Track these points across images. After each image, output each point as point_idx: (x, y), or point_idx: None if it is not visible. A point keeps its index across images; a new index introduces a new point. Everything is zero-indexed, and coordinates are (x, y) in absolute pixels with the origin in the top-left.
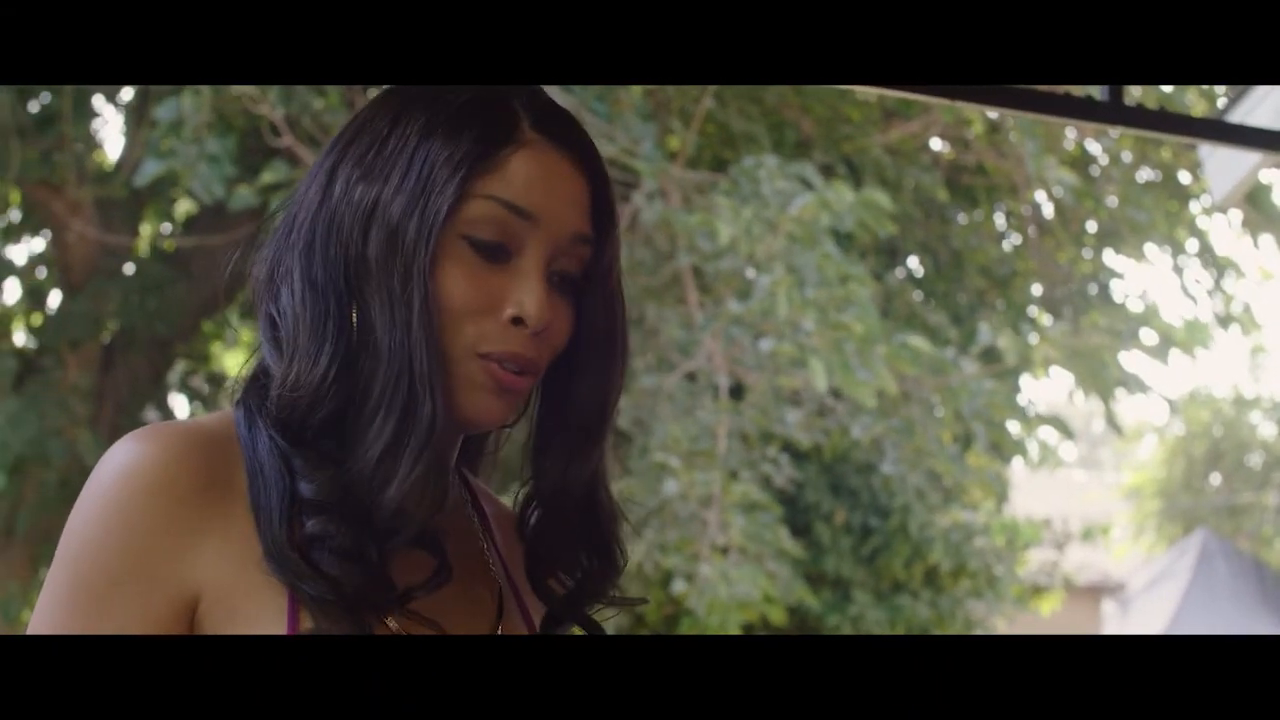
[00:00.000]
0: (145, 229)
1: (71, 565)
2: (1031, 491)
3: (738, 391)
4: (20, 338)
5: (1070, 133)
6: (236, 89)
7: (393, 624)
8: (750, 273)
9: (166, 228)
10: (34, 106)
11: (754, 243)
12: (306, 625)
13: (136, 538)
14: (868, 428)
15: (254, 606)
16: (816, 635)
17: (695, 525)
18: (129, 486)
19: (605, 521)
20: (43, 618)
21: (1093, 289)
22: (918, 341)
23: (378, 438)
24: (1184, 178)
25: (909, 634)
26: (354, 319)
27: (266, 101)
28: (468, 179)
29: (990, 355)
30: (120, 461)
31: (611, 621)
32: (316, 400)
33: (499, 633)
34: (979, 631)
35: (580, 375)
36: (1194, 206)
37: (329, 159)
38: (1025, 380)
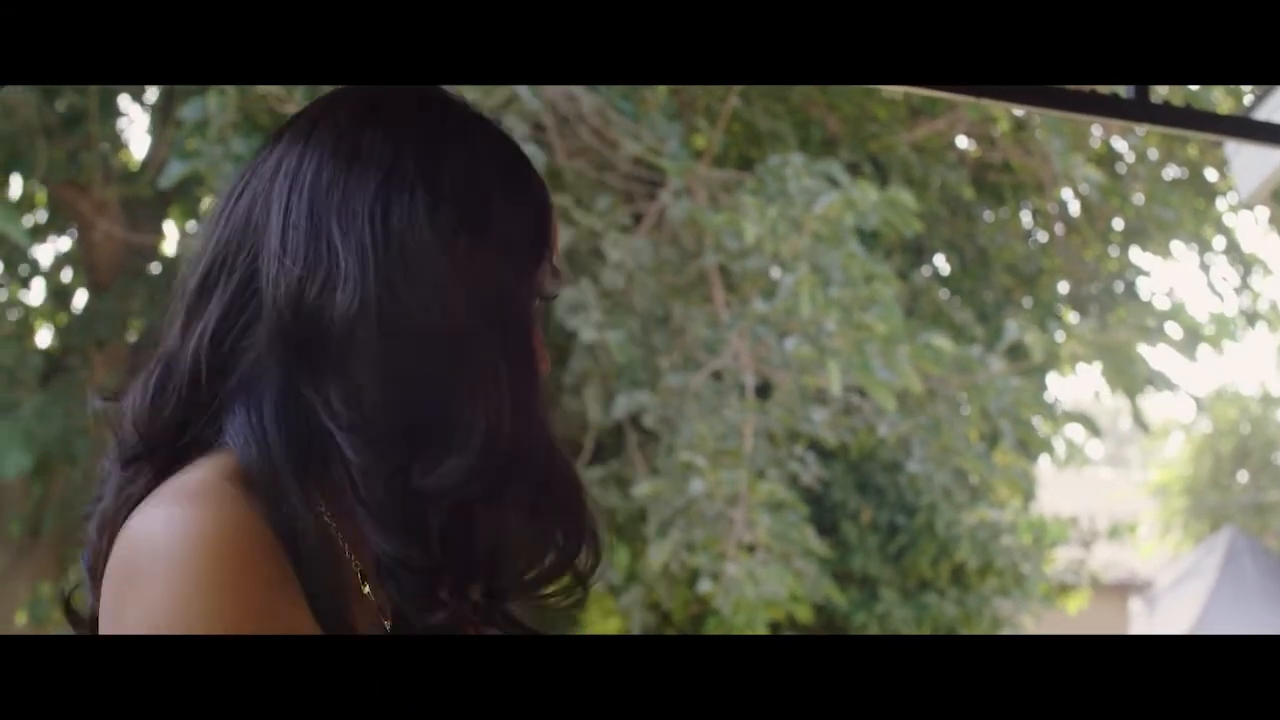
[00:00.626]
0: (171, 228)
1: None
2: (1058, 489)
3: (764, 390)
4: (46, 337)
5: (1097, 130)
6: (262, 88)
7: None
8: (776, 271)
9: (192, 226)
10: (60, 106)
11: (779, 242)
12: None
13: (260, 594)
14: (894, 426)
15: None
16: (841, 635)
17: (721, 524)
18: (222, 556)
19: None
20: None
21: (1119, 286)
22: (941, 341)
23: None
24: (1210, 175)
25: (935, 632)
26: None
27: (292, 100)
28: (547, 248)
29: (1017, 353)
30: (178, 531)
31: (637, 620)
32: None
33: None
34: (1006, 629)
35: None
36: (1220, 204)
37: (375, 185)
38: (1052, 378)
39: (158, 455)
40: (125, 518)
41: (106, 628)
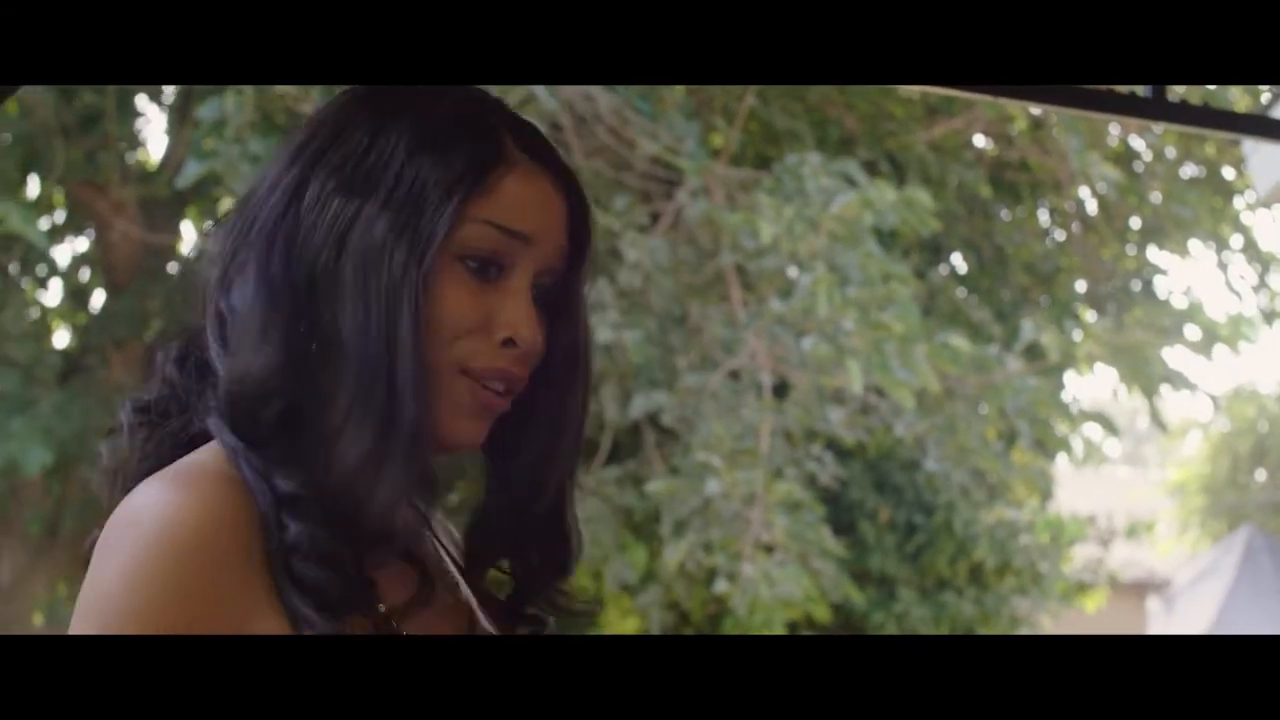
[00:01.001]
0: (188, 228)
1: (115, 621)
2: (1076, 488)
3: (781, 389)
4: (64, 337)
5: (1114, 128)
6: (279, 88)
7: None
8: (793, 271)
9: (210, 226)
10: (77, 106)
11: (796, 241)
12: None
13: (191, 603)
14: (911, 425)
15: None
16: (857, 635)
17: (738, 524)
18: (173, 545)
19: (566, 530)
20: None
21: (1136, 285)
22: (958, 340)
23: (354, 443)
24: (1228, 173)
25: (954, 631)
26: (317, 321)
27: (309, 100)
28: (463, 202)
29: (1034, 352)
30: (158, 515)
31: (655, 620)
32: (263, 394)
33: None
34: (1024, 628)
35: (551, 391)
36: (1238, 202)
37: (297, 164)
38: (1069, 377)
39: (172, 422)
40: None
41: (82, 590)
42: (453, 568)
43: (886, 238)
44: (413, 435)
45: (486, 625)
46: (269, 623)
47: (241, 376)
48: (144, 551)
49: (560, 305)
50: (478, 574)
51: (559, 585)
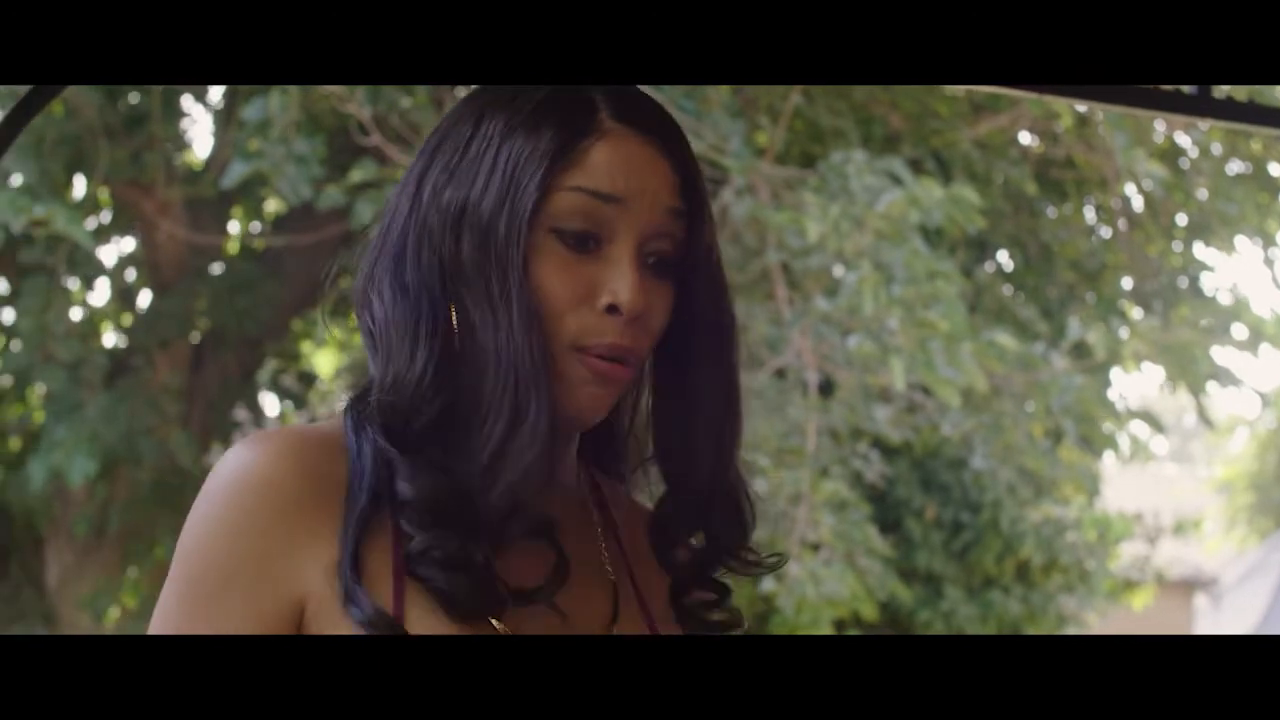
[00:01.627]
0: (234, 228)
1: (184, 564)
2: (1123, 486)
3: (827, 388)
4: (110, 337)
5: (1159, 126)
6: (324, 88)
7: (499, 625)
8: (838, 269)
9: (256, 226)
10: (123, 107)
11: (842, 239)
12: (412, 608)
13: (245, 539)
14: (958, 424)
15: (366, 588)
16: (906, 635)
17: (785, 523)
18: (240, 489)
19: (734, 492)
20: (158, 614)
21: (1183, 282)
22: (1005, 338)
23: (487, 442)
24: (1275, 170)
25: (1000, 629)
26: (453, 321)
27: (354, 100)
28: (550, 173)
29: (1081, 350)
30: (233, 465)
31: None
32: (417, 402)
33: (613, 633)
34: (1071, 626)
35: (695, 357)
36: None
37: (416, 167)
38: (1116, 374)
39: None
40: None
41: None
42: (609, 547)
43: (932, 235)
44: (536, 426)
45: (636, 606)
46: (319, 578)
47: (392, 386)
48: (211, 494)
49: (688, 270)
50: (667, 548)
51: (743, 546)
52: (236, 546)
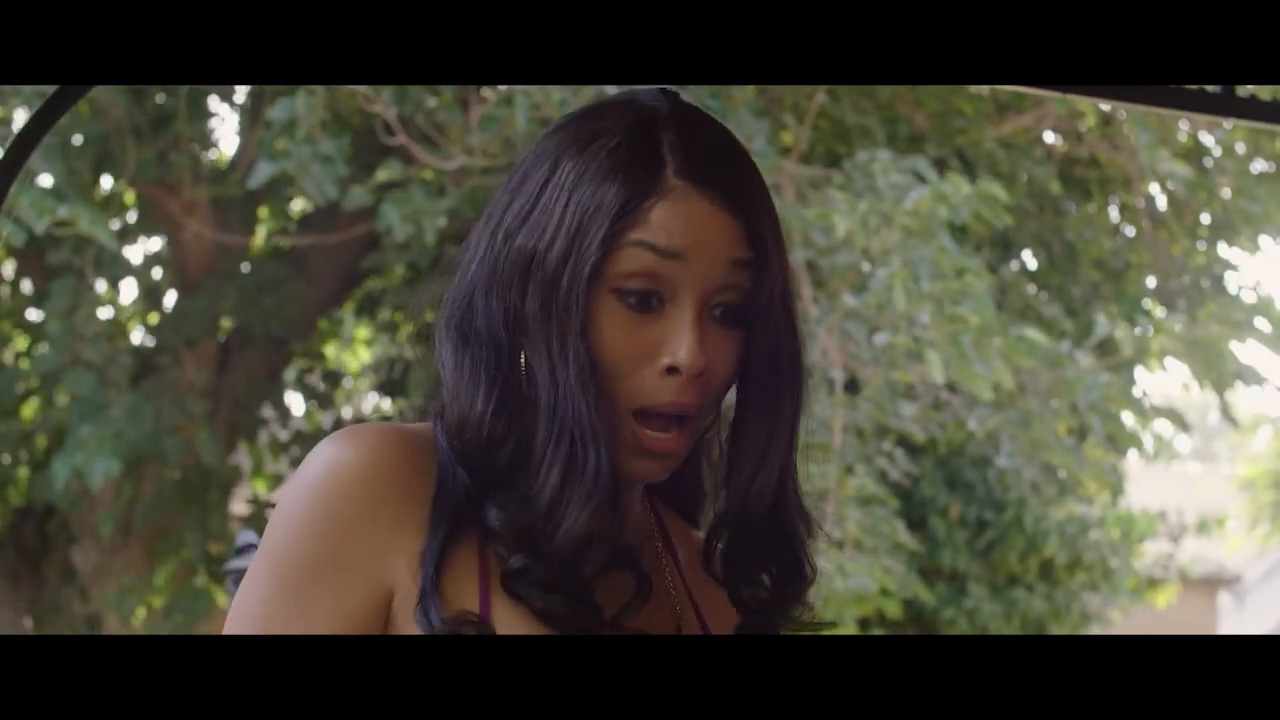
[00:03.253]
0: (261, 227)
1: (273, 555)
2: (1146, 484)
3: (853, 385)
4: (137, 336)
5: (1184, 124)
6: (350, 88)
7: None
8: (865, 266)
9: (282, 225)
10: (149, 107)
11: (870, 236)
12: (498, 611)
13: (335, 529)
14: (984, 421)
15: (453, 589)
16: (930, 635)
17: (818, 520)
18: (331, 480)
19: (791, 542)
20: (243, 604)
21: (1207, 281)
22: (1034, 333)
23: (543, 490)
24: None
25: (1024, 627)
26: (521, 368)
27: (380, 100)
28: (614, 231)
29: (1106, 348)
30: (325, 457)
31: None
32: (487, 444)
33: None
34: (1095, 624)
35: (751, 405)
36: None
37: (499, 205)
38: (1140, 373)
39: None
40: None
41: None
42: (681, 589)
43: (958, 233)
44: (595, 480)
45: (699, 630)
46: (406, 571)
47: (461, 425)
48: (302, 486)
49: (752, 319)
50: (727, 588)
51: (796, 602)
52: (328, 538)
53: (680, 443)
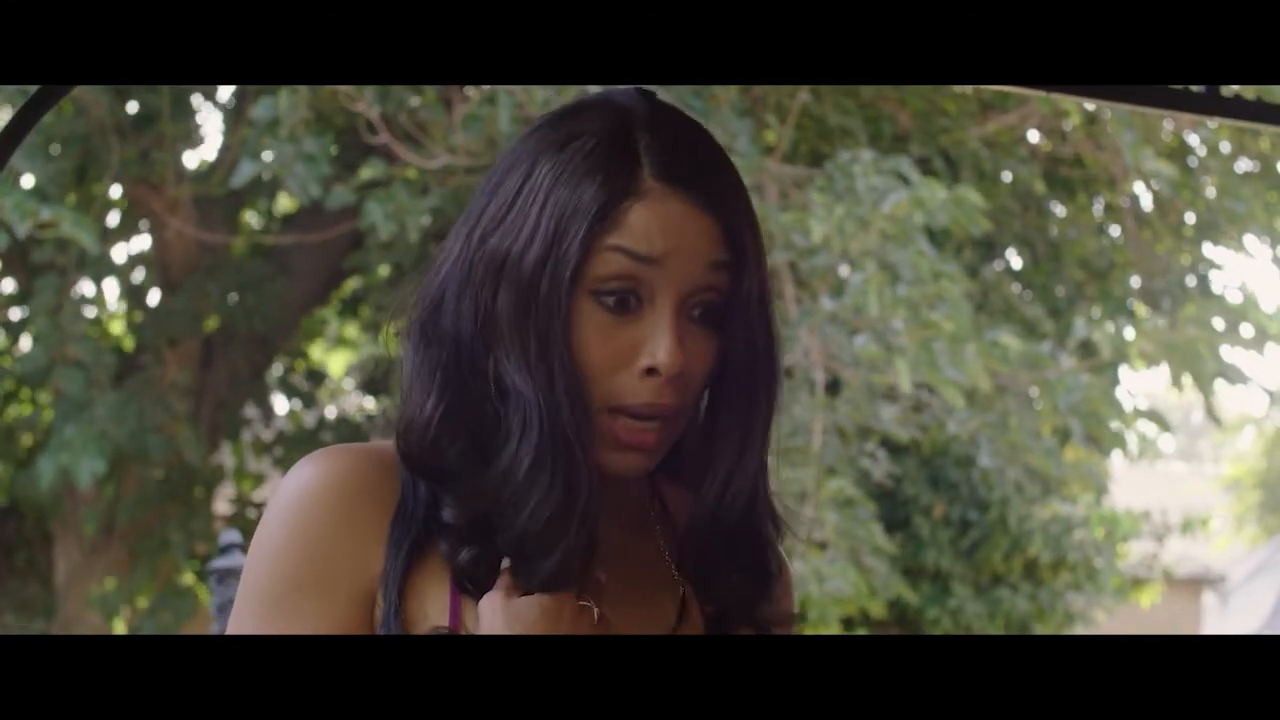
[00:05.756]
0: (244, 225)
1: (255, 576)
2: (1131, 483)
3: (834, 387)
4: (120, 335)
5: (1168, 124)
6: (333, 87)
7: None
8: (844, 269)
9: (266, 224)
10: (132, 106)
11: (847, 240)
12: (469, 623)
13: (309, 546)
14: (964, 423)
15: (419, 605)
16: (912, 635)
17: (790, 521)
18: (303, 500)
19: (759, 541)
20: (234, 624)
21: (1191, 281)
22: (1009, 339)
23: (541, 507)
24: None
25: (1008, 627)
26: (488, 370)
27: (363, 99)
28: (591, 233)
29: (1088, 348)
30: (296, 479)
31: None
32: (432, 445)
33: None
34: (1079, 623)
35: (726, 405)
36: None
37: (476, 206)
38: (1124, 372)
39: None
40: None
41: None
42: (671, 549)
43: (940, 234)
44: (585, 482)
45: (701, 625)
46: (382, 584)
47: (408, 427)
48: (277, 507)
49: (729, 319)
50: (697, 587)
51: (760, 603)
52: (305, 556)
53: (659, 437)
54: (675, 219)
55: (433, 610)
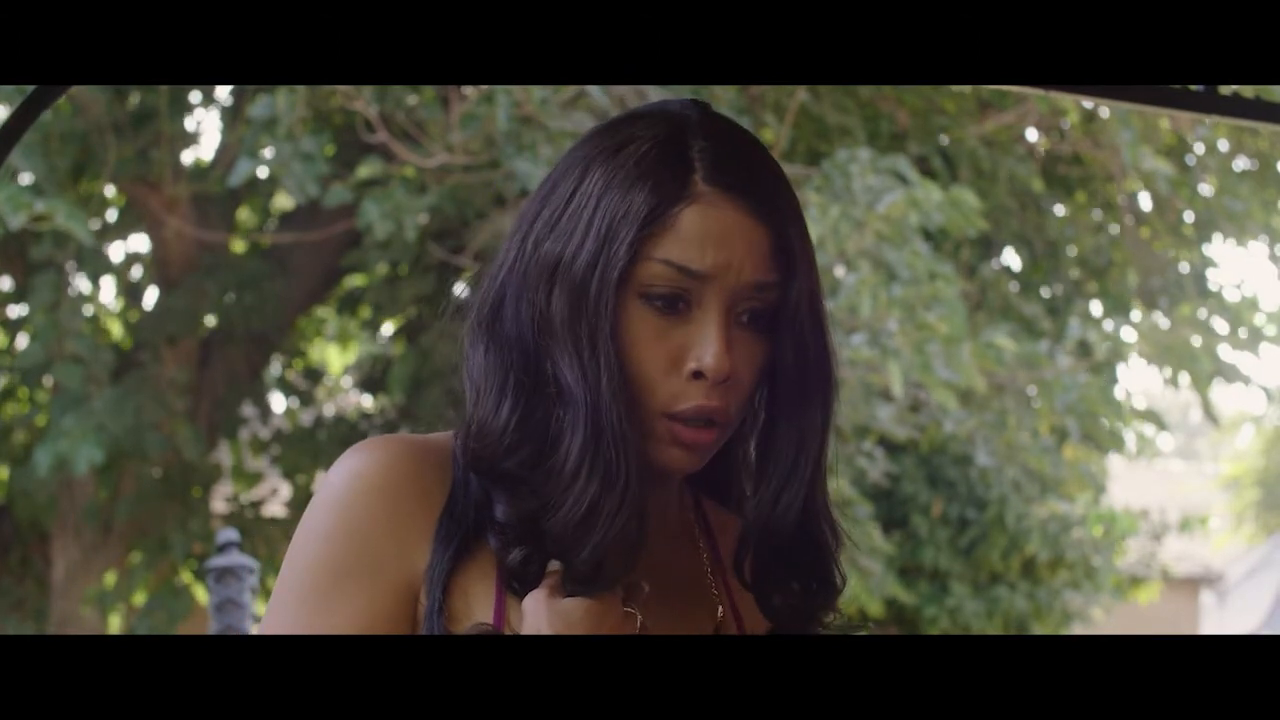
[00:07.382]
0: (241, 223)
1: (298, 565)
2: (1129, 482)
3: None
4: (118, 333)
5: (1166, 122)
6: (331, 87)
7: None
8: (839, 269)
9: (263, 222)
10: (130, 105)
11: (842, 241)
12: (513, 622)
13: (356, 537)
14: (960, 422)
15: (464, 602)
16: (911, 635)
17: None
18: (354, 488)
19: (820, 552)
20: (274, 610)
21: (1190, 279)
22: (1004, 339)
23: (579, 501)
24: None
25: (1006, 625)
26: (549, 373)
27: (361, 98)
28: (640, 239)
29: (1086, 348)
30: (343, 470)
31: None
32: (499, 451)
33: None
34: (1077, 622)
35: (779, 413)
36: None
37: (529, 211)
38: (1122, 370)
39: None
40: None
41: None
42: (721, 585)
43: (937, 233)
44: (626, 488)
45: (734, 624)
46: (426, 578)
47: (481, 431)
48: (325, 496)
49: (779, 324)
50: (758, 601)
51: (821, 614)
52: (350, 546)
53: (711, 436)
54: (726, 225)
55: (477, 608)
